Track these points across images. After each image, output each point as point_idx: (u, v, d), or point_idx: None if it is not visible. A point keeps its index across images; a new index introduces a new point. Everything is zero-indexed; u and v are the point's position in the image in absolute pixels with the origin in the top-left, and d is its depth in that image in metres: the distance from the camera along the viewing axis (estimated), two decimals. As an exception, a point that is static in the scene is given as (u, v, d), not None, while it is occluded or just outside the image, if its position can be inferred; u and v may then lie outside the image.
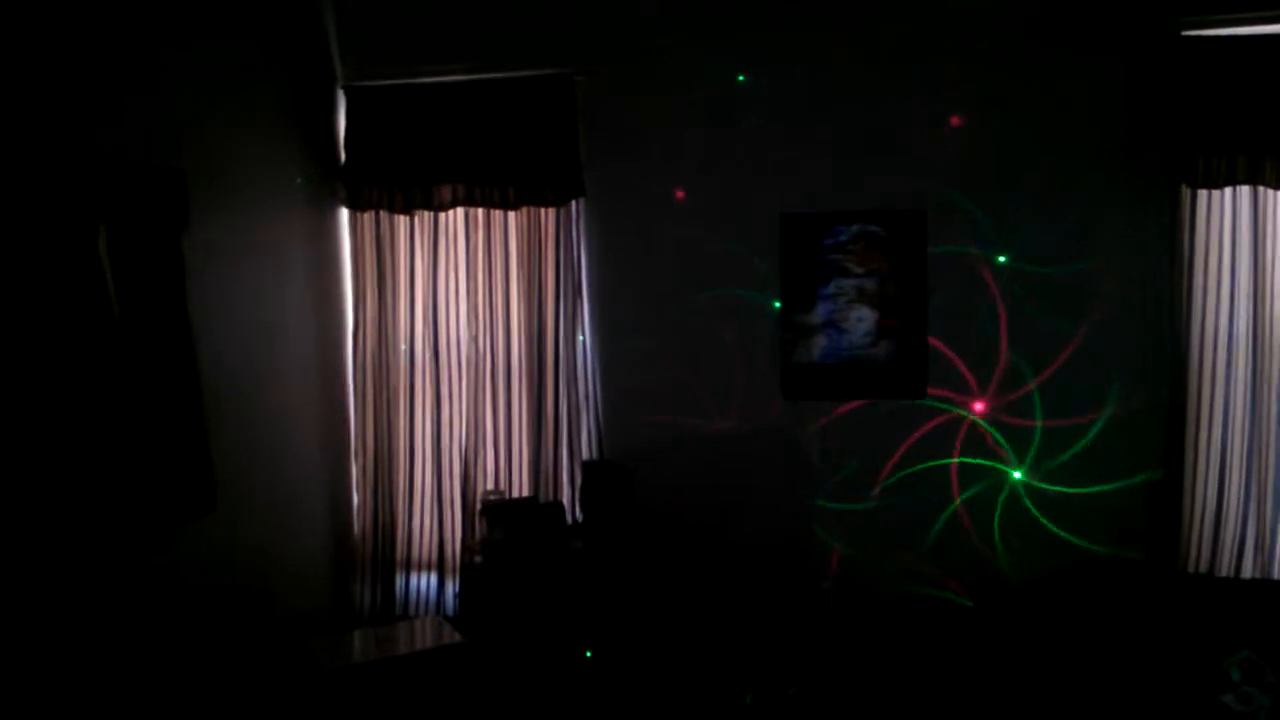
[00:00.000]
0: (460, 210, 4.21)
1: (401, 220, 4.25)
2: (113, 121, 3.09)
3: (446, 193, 4.17)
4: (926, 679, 3.60)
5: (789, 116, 3.96)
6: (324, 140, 4.27)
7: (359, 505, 4.34)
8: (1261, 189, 3.57)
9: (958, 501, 3.89)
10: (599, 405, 4.16)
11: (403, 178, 4.18)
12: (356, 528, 4.34)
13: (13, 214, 2.71)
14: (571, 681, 3.59)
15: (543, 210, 4.14)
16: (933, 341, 3.89)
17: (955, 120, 3.84)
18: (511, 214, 4.18)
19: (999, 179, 3.82)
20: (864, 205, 3.93)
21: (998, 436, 3.86)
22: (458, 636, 3.60)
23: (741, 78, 3.98)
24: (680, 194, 4.06)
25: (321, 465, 4.24)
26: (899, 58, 3.87)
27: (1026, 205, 3.80)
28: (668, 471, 4.03)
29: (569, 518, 4.06)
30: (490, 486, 4.20)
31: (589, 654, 3.60)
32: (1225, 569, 3.66)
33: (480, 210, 4.19)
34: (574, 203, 4.12)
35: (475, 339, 4.22)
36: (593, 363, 4.17)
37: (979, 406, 3.87)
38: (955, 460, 3.89)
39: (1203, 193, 3.62)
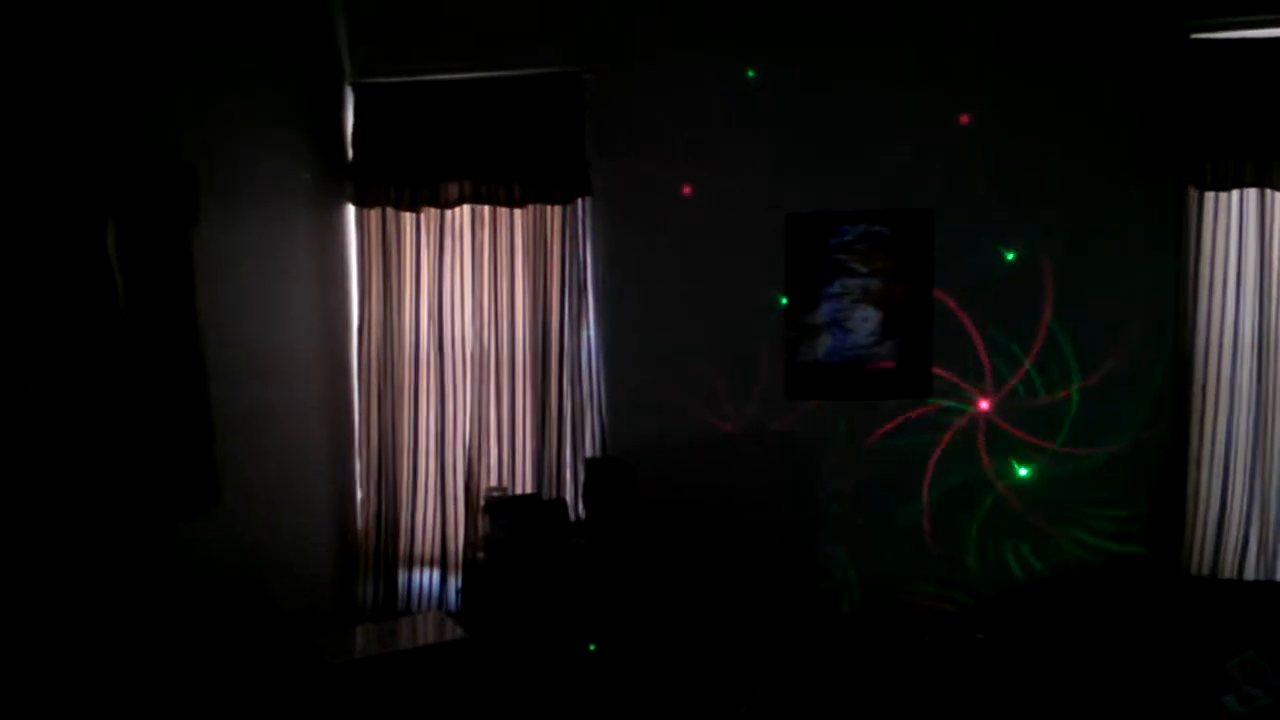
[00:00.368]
0: (466, 207, 4.21)
1: (408, 217, 4.25)
2: (122, 116, 3.10)
3: (453, 190, 4.18)
4: (927, 680, 3.60)
5: (796, 115, 3.95)
6: (332, 137, 4.28)
7: (362, 500, 4.34)
8: (1269, 192, 3.57)
9: (962, 501, 3.89)
10: (603, 402, 4.17)
11: (409, 175, 4.19)
12: (360, 523, 4.35)
13: (20, 209, 2.72)
14: (574, 678, 3.59)
15: (549, 208, 4.14)
16: (937, 340, 3.89)
17: (964, 119, 3.83)
18: (518, 211, 4.18)
19: (1006, 180, 3.81)
20: (870, 205, 3.93)
21: (1002, 436, 3.85)
22: (460, 632, 3.60)
23: (751, 73, 3.98)
24: (687, 190, 4.06)
25: (325, 460, 4.24)
26: (908, 58, 3.87)
27: (1034, 206, 3.80)
28: (671, 469, 4.04)
29: (572, 515, 4.07)
30: (494, 483, 4.20)
31: (591, 648, 3.60)
32: (1228, 570, 3.66)
33: (486, 208, 4.19)
34: (580, 201, 4.12)
35: (480, 336, 4.22)
36: (597, 360, 4.17)
37: (984, 405, 3.87)
38: (959, 458, 3.88)
39: (1210, 195, 3.62)
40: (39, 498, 2.77)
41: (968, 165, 3.84)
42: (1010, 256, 3.82)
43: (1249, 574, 3.64)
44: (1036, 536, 3.83)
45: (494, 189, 4.15)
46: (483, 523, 3.98)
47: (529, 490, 4.18)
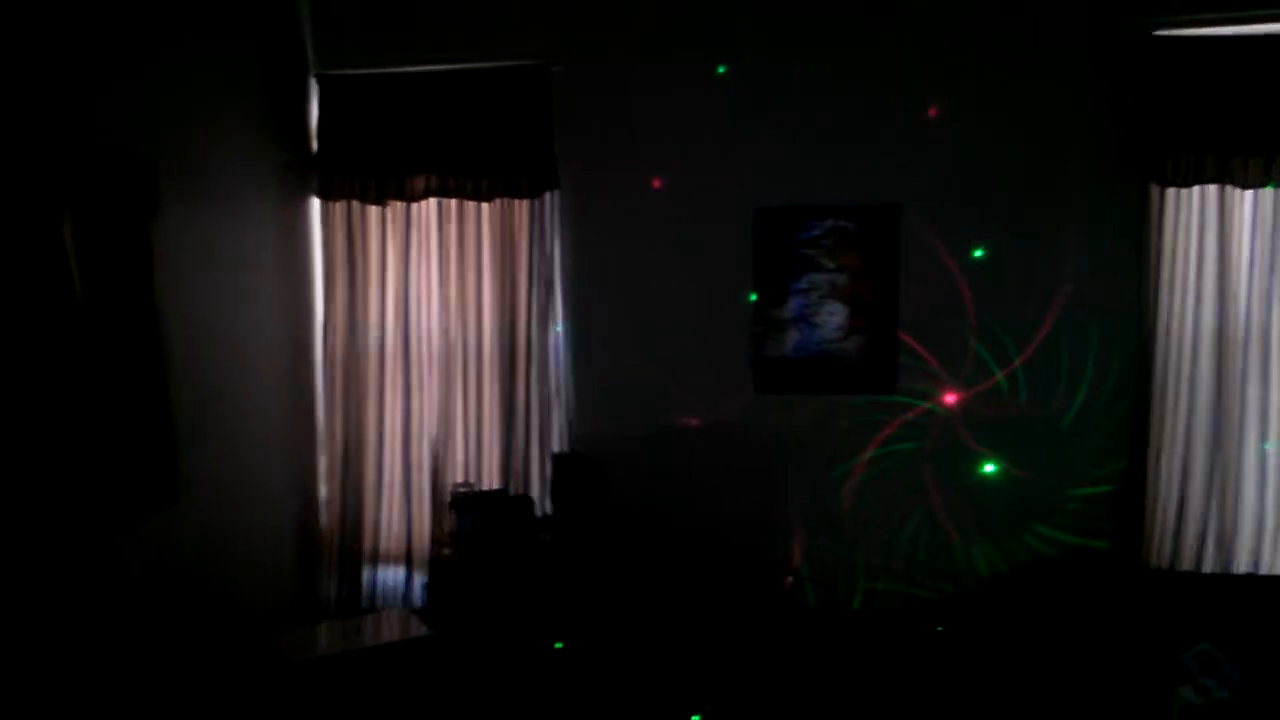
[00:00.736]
0: (433, 201, 4.19)
1: (373, 210, 4.22)
2: (81, 107, 3.05)
3: (419, 183, 4.15)
4: (889, 675, 3.62)
5: (764, 110, 3.96)
6: (296, 129, 4.24)
7: (327, 497, 4.31)
8: (1229, 188, 3.61)
9: (926, 496, 3.91)
10: (571, 398, 4.15)
11: (376, 168, 4.16)
12: (324, 520, 4.31)
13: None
14: (540, 674, 3.58)
15: (516, 202, 4.12)
16: (903, 336, 3.91)
17: (932, 116, 3.85)
18: (485, 205, 4.15)
19: (972, 175, 3.83)
20: (837, 200, 3.94)
21: (967, 430, 3.87)
22: (425, 629, 3.59)
23: (722, 69, 3.98)
24: (657, 184, 4.05)
25: (289, 457, 4.20)
26: (875, 54, 3.88)
27: (999, 201, 3.82)
28: (639, 464, 4.03)
29: (539, 510, 4.05)
30: (460, 479, 4.18)
31: (558, 645, 3.59)
32: (1187, 563, 3.70)
33: (453, 201, 4.17)
34: (548, 195, 4.10)
35: (447, 330, 4.20)
36: (565, 355, 4.16)
37: (950, 400, 3.89)
38: (924, 454, 3.91)
39: (1171, 191, 3.66)
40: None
41: (935, 161, 3.85)
42: (978, 253, 3.84)
43: (1207, 567, 3.68)
44: (1000, 531, 3.86)
45: (461, 183, 4.12)
46: (448, 519, 3.96)
47: (495, 486, 4.16)
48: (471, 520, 3.81)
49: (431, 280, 4.22)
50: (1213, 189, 3.63)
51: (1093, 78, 3.74)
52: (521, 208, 4.12)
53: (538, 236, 4.11)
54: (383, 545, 4.27)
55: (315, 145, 4.24)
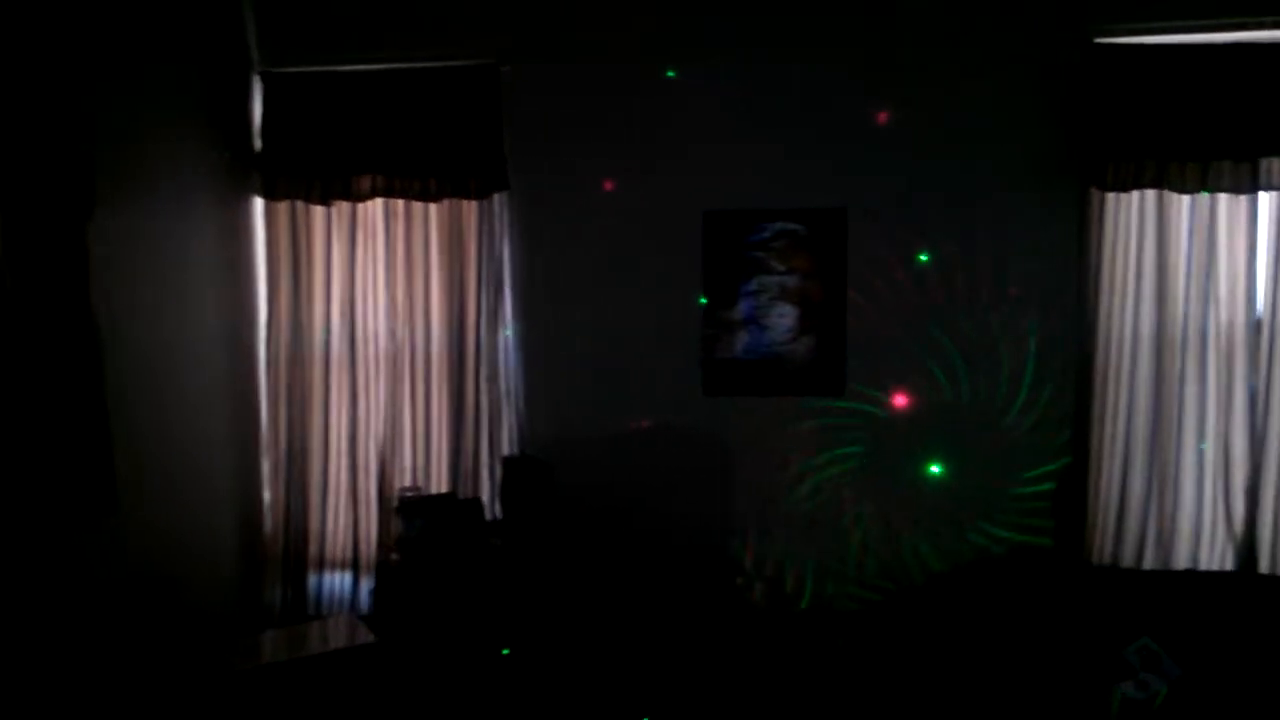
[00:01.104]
0: (380, 201, 4.13)
1: (318, 211, 4.16)
2: (11, 101, 2.95)
3: (366, 183, 4.09)
4: (834, 675, 3.64)
5: (715, 113, 3.96)
6: (239, 128, 4.15)
7: (271, 502, 4.23)
8: (1167, 193, 3.69)
9: (874, 496, 3.95)
10: (521, 400, 4.12)
11: (321, 167, 4.09)
12: (268, 525, 4.23)
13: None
14: (488, 680, 3.55)
15: (465, 203, 4.08)
16: (852, 338, 3.93)
17: (880, 120, 3.89)
18: (433, 206, 4.11)
19: (919, 180, 3.87)
20: (786, 203, 3.96)
21: (914, 431, 3.91)
22: (371, 636, 3.53)
23: (671, 73, 3.98)
24: (608, 186, 4.04)
25: (232, 461, 4.11)
26: (825, 60, 3.91)
27: (945, 205, 3.86)
28: (590, 467, 4.02)
29: (489, 514, 4.02)
30: (408, 483, 4.13)
31: (505, 651, 3.56)
32: (1128, 560, 3.77)
33: (400, 202, 4.12)
34: (497, 196, 4.07)
35: (394, 332, 4.14)
36: (515, 357, 4.13)
37: (897, 402, 3.93)
38: (872, 454, 3.94)
39: (1111, 196, 3.73)
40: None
41: (882, 166, 3.89)
42: (923, 257, 3.88)
43: (1147, 563, 3.75)
44: (947, 530, 3.90)
45: (408, 183, 4.07)
46: (396, 523, 3.91)
47: (444, 490, 4.11)
48: (419, 525, 3.76)
49: (378, 281, 4.16)
50: (1151, 194, 3.70)
51: (1038, 84, 3.80)
52: (470, 209, 4.08)
53: (487, 238, 4.07)
54: (329, 550, 4.20)
55: (259, 144, 4.16)
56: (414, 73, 4.05)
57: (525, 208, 4.10)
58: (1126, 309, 3.74)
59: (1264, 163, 3.61)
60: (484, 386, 4.10)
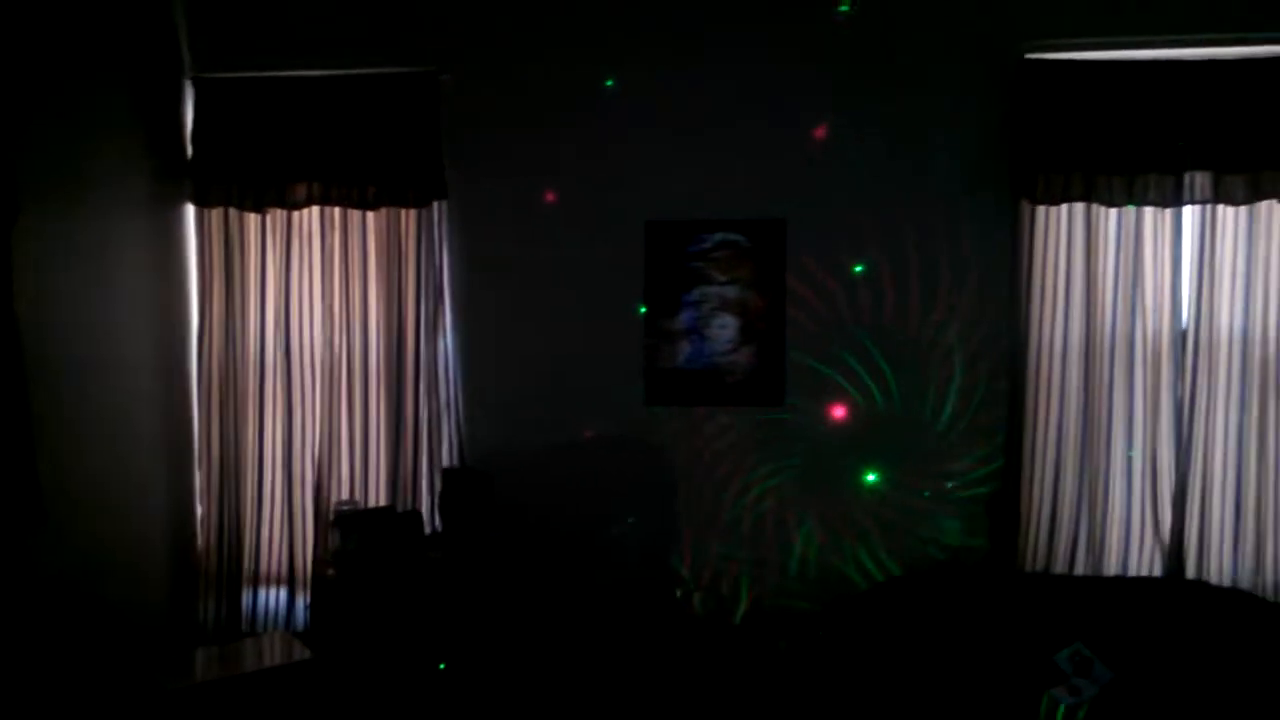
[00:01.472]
0: (316, 209, 4.07)
1: (252, 218, 4.08)
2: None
3: (301, 191, 4.03)
4: (771, 683, 3.66)
5: (657, 123, 3.97)
6: (170, 133, 4.06)
7: (203, 516, 4.13)
8: (1095, 206, 3.77)
9: (812, 505, 3.97)
10: (460, 411, 4.08)
11: (254, 174, 4.02)
12: (200, 540, 4.14)
13: None
14: (424, 696, 3.50)
15: (403, 211, 4.03)
16: (792, 348, 3.96)
17: (819, 133, 3.93)
18: (370, 214, 4.06)
19: (857, 192, 3.92)
20: (728, 214, 3.98)
21: (852, 441, 3.95)
22: (307, 652, 3.47)
23: (610, 82, 3.98)
24: (550, 196, 4.03)
25: (163, 475, 4.01)
26: (765, 74, 3.93)
27: (882, 217, 3.91)
28: (532, 478, 3.99)
29: (428, 527, 3.97)
30: (345, 496, 4.06)
31: (441, 666, 3.52)
32: (1060, 566, 3.84)
33: (337, 210, 4.06)
34: (436, 204, 4.03)
35: (331, 342, 4.08)
36: (455, 367, 4.09)
37: (835, 412, 3.96)
38: (810, 464, 3.97)
39: (1042, 208, 3.80)
40: None
41: (821, 178, 3.93)
42: (859, 269, 3.93)
43: (1079, 569, 3.83)
44: (884, 538, 3.94)
45: (345, 191, 4.02)
46: (332, 537, 3.85)
47: (383, 503, 4.05)
48: (356, 539, 3.71)
49: (315, 290, 4.10)
50: (1080, 206, 3.78)
51: (972, 99, 3.86)
52: (409, 217, 4.04)
53: (426, 247, 4.03)
54: (263, 566, 4.12)
55: (191, 150, 4.08)
56: (352, 79, 4.00)
57: (465, 216, 4.07)
58: (1056, 319, 3.81)
59: (1188, 177, 3.70)
60: (423, 397, 4.05)
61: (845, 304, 3.94)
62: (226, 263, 4.07)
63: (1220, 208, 3.72)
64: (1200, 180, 3.71)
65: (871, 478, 3.95)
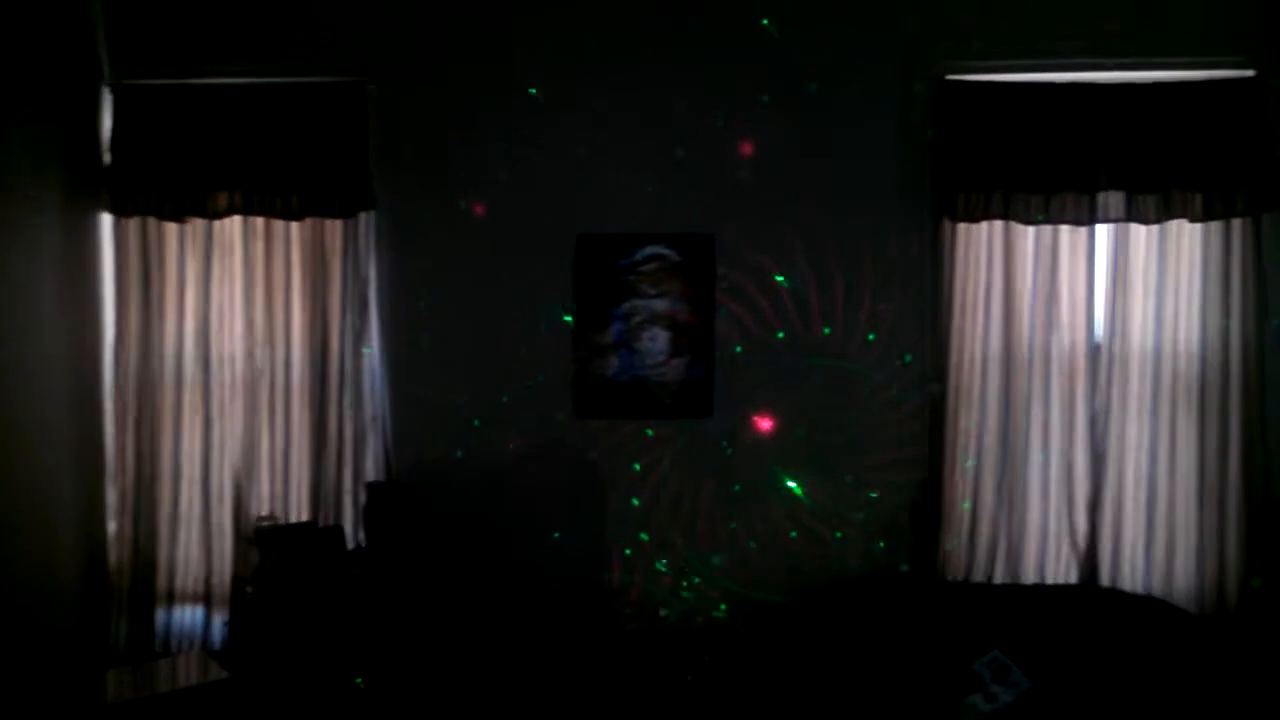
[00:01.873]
0: (238, 219, 4.00)
1: (171, 228, 3.99)
2: None
3: (223, 200, 3.95)
4: (690, 695, 3.64)
5: (587, 136, 3.98)
6: (86, 141, 3.96)
7: (116, 533, 4.01)
8: (1013, 223, 3.86)
9: (739, 516, 3.99)
10: (387, 424, 4.03)
11: (174, 183, 3.94)
12: (113, 558, 4.01)
13: None
14: (344, 714, 3.43)
15: (329, 222, 3.98)
16: (720, 361, 3.99)
17: (747, 149, 3.97)
18: (295, 225, 3.99)
19: (784, 207, 3.96)
20: (658, 228, 4.00)
21: (779, 452, 3.98)
22: (224, 672, 3.38)
23: (533, 90, 3.98)
24: (479, 209, 4.01)
25: (73, 491, 3.89)
26: (694, 91, 3.96)
27: (808, 233, 3.96)
28: (460, 491, 3.95)
29: (351, 542, 3.90)
30: (264, 511, 3.97)
31: (359, 682, 3.45)
32: (980, 574, 3.90)
33: (260, 220, 3.99)
34: (363, 215, 3.98)
35: (252, 354, 4.00)
36: (381, 380, 4.03)
37: (761, 423, 3.99)
38: (737, 475, 3.99)
39: (962, 225, 3.88)
40: None
41: (748, 194, 3.96)
42: (781, 279, 3.97)
43: (998, 577, 3.90)
44: (810, 547, 3.96)
45: (268, 200, 3.95)
46: (251, 554, 3.76)
47: (304, 518, 3.97)
48: (276, 555, 3.63)
49: (236, 302, 4.01)
50: (999, 224, 3.87)
51: (895, 119, 3.93)
52: (335, 228, 3.98)
53: (352, 258, 3.98)
54: (179, 583, 4.00)
55: (108, 158, 3.98)
56: (276, 88, 3.94)
57: (393, 227, 4.03)
58: (976, 332, 3.89)
59: (1101, 196, 3.81)
60: (347, 410, 3.98)
61: (773, 317, 3.98)
62: (144, 273, 3.97)
63: (1133, 226, 3.84)
64: (1114, 200, 3.82)
65: (796, 488, 3.98)
